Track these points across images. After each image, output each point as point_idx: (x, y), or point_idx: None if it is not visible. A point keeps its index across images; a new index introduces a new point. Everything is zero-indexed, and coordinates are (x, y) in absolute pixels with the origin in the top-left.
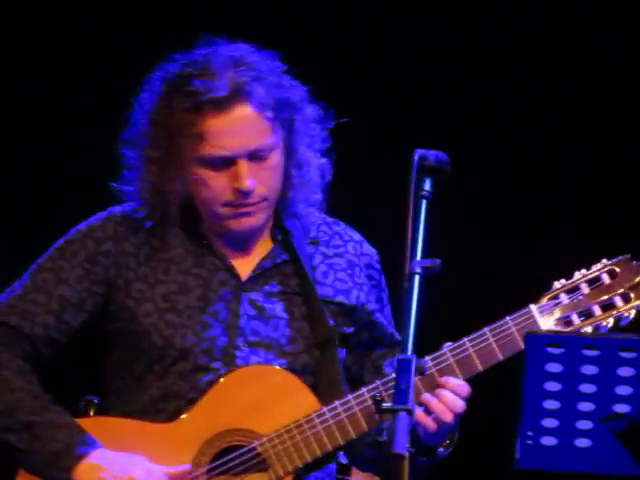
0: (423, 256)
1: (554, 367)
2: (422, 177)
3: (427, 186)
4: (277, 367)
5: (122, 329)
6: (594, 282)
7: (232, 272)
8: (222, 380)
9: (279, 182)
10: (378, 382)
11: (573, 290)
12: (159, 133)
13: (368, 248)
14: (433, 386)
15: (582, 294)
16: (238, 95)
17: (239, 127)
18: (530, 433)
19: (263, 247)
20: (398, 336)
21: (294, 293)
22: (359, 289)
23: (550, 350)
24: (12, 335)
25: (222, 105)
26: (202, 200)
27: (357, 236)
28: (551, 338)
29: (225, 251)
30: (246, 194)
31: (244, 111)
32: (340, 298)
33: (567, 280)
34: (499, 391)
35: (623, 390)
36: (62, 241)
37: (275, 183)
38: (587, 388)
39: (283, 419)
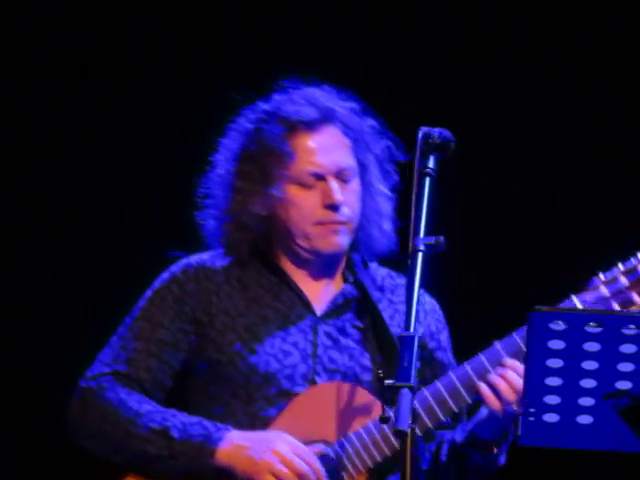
0: (427, 233)
1: (557, 344)
2: (426, 154)
3: (431, 163)
4: (349, 384)
5: (206, 361)
6: (632, 274)
7: (309, 307)
8: (300, 396)
9: (358, 209)
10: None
11: (613, 282)
12: (249, 165)
13: (430, 298)
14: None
15: (622, 286)
16: (327, 118)
17: (329, 146)
18: (532, 410)
19: (335, 284)
20: None
21: (365, 329)
22: (431, 326)
23: (553, 327)
24: (125, 380)
25: (313, 125)
26: (293, 222)
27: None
28: (554, 315)
29: (301, 286)
30: (336, 209)
31: (333, 131)
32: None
33: (607, 273)
34: None
35: (625, 367)
36: (149, 292)
37: (356, 209)
38: (589, 365)
39: (354, 427)
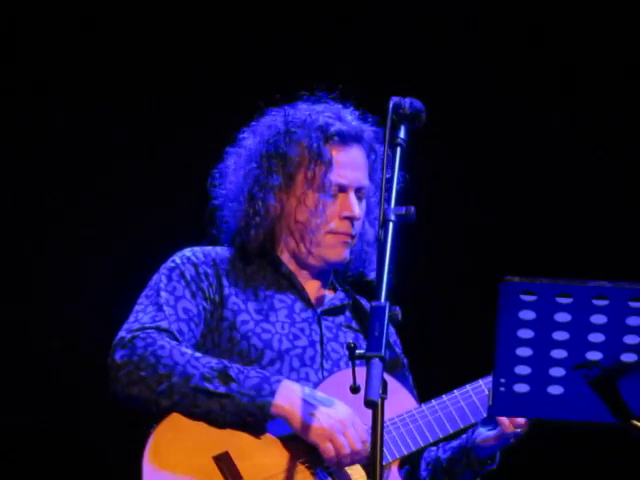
0: (397, 203)
1: (527, 314)
2: (397, 125)
3: (402, 134)
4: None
5: (218, 338)
6: None
7: (309, 303)
8: (330, 378)
9: (361, 230)
10: (468, 386)
11: None
12: (279, 163)
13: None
14: None
15: None
16: (358, 137)
17: (355, 163)
18: (503, 380)
19: (330, 289)
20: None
21: (357, 330)
22: (394, 345)
23: (524, 297)
24: (167, 334)
25: (346, 140)
26: (308, 227)
27: None
28: (525, 286)
29: (301, 285)
30: (352, 222)
31: (360, 150)
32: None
33: None
34: None
35: (596, 338)
36: (163, 271)
37: (362, 226)
38: (560, 335)
39: (388, 413)
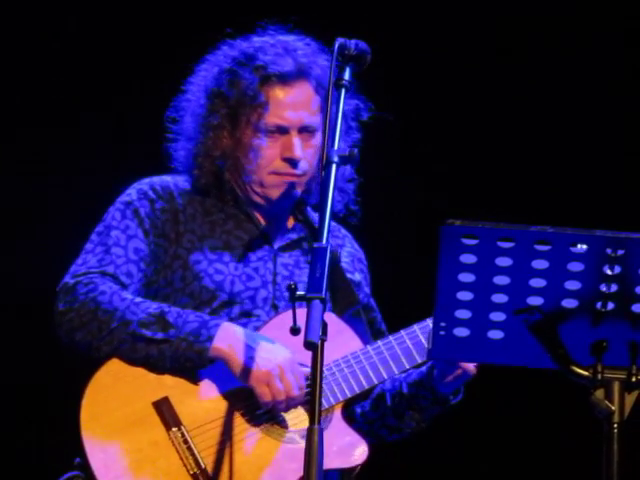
0: (340, 145)
1: (468, 258)
2: (342, 66)
3: (347, 75)
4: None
5: (170, 275)
6: None
7: (267, 239)
8: (274, 319)
9: (316, 163)
10: (415, 325)
11: None
12: (219, 103)
13: (358, 246)
14: None
15: None
16: (302, 73)
17: (298, 102)
18: (443, 324)
19: (288, 222)
20: (384, 325)
21: None
22: (359, 273)
23: (465, 241)
24: (114, 279)
25: (286, 79)
26: (251, 167)
27: (348, 234)
28: (466, 229)
29: (259, 220)
30: (294, 164)
31: (303, 88)
32: (349, 275)
33: None
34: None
35: (537, 283)
36: (118, 205)
37: (314, 162)
38: (501, 280)
39: (331, 355)
